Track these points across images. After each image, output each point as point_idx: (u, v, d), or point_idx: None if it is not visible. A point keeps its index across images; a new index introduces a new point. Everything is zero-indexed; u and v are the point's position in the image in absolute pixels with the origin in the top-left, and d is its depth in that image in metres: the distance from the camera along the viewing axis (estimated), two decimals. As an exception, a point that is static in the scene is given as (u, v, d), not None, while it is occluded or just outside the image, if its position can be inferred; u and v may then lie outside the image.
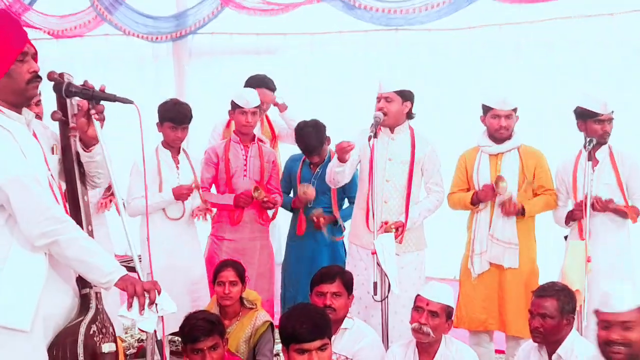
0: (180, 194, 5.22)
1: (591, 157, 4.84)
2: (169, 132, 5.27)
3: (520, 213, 5.05)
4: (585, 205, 4.75)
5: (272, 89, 6.14)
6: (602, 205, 4.85)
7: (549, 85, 6.48)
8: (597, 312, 3.43)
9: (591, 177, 4.89)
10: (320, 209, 5.57)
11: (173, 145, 5.34)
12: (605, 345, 3.34)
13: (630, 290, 3.47)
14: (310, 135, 5.64)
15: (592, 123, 4.93)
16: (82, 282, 3.10)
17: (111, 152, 4.41)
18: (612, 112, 4.92)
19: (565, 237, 5.18)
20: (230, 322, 4.78)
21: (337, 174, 4.99)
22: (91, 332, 3.00)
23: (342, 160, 4.87)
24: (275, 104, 6.17)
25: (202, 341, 4.02)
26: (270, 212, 5.79)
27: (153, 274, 3.62)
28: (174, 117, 5.25)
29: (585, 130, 4.97)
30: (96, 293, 3.11)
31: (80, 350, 2.94)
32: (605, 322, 3.36)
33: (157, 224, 5.15)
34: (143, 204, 4.93)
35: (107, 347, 3.08)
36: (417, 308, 4.14)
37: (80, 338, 2.94)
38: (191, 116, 5.33)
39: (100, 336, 3.07)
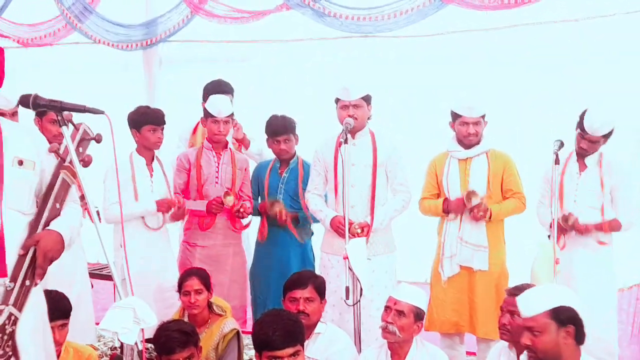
0: (163, 205, 5.27)
1: (558, 160, 4.91)
2: (150, 135, 5.27)
3: (488, 217, 5.12)
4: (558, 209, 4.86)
5: (230, 93, 6.11)
6: (581, 232, 4.95)
7: (517, 90, 6.56)
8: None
9: (577, 181, 4.98)
10: (281, 203, 5.54)
11: (155, 149, 5.36)
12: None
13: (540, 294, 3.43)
14: (278, 119, 5.69)
15: (586, 140, 4.99)
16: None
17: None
18: (611, 131, 4.93)
19: (549, 237, 5.17)
20: (199, 329, 4.77)
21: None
22: None
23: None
24: (239, 141, 6.11)
25: (177, 353, 4.02)
26: (245, 221, 5.80)
27: (128, 280, 3.66)
28: (154, 119, 5.28)
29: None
30: (10, 314, 3.00)
31: None
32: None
33: (131, 231, 5.16)
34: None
35: None
36: (385, 308, 4.19)
37: None
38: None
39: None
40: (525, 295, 3.42)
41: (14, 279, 2.98)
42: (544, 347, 3.27)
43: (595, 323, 4.90)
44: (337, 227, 4.95)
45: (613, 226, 5.01)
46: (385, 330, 4.13)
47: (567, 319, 3.28)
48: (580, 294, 4.78)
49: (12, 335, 3.01)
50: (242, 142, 6.11)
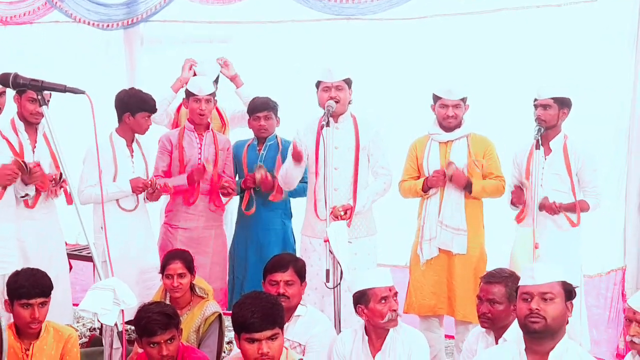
0: (137, 187, 5.21)
1: (539, 145, 4.94)
2: (144, 122, 5.25)
3: (468, 189, 5.14)
4: (534, 192, 4.87)
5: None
6: (552, 210, 4.98)
7: (500, 75, 6.56)
8: (520, 287, 3.44)
9: (543, 165, 5.00)
10: (264, 167, 5.57)
11: (142, 134, 5.34)
12: (525, 317, 3.33)
13: (552, 266, 3.48)
14: (260, 97, 5.79)
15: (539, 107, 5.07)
16: None
17: (62, 139, 4.39)
18: (566, 100, 5.04)
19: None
20: (181, 312, 4.76)
21: (293, 177, 5.17)
22: None
23: (298, 161, 5.04)
24: (232, 78, 6.13)
25: (159, 335, 4.01)
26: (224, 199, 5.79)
27: (108, 261, 3.65)
28: (151, 107, 5.26)
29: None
30: None
31: None
32: (526, 294, 3.36)
33: (111, 213, 5.12)
34: (97, 193, 4.94)
35: None
36: (383, 299, 4.09)
37: None
38: None
39: None
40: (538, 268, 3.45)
41: None
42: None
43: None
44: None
45: (582, 207, 5.06)
46: (395, 319, 4.11)
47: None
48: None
49: None
50: (234, 80, 6.13)
